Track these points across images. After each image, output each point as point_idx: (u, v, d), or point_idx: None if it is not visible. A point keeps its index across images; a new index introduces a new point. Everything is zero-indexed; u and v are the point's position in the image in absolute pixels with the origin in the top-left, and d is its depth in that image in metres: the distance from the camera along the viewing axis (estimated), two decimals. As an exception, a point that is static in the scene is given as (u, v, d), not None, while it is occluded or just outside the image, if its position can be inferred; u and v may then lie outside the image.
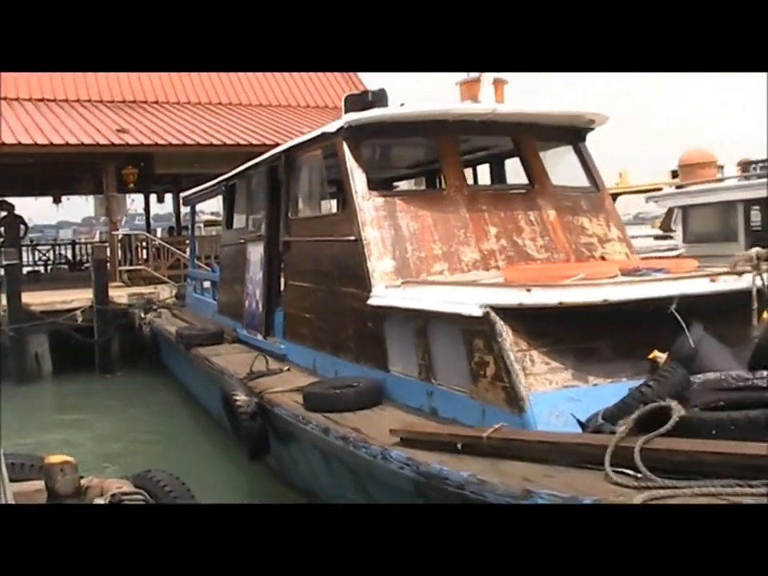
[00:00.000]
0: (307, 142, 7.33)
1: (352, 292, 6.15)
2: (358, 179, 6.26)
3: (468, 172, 8.25)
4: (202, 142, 17.62)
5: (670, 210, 11.39)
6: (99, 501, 3.53)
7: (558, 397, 4.19)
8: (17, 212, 21.14)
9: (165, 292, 16.12)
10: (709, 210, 8.94)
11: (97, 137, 17.06)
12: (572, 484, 3.32)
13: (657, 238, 9.76)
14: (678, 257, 8.60)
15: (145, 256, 18.55)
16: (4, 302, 13.90)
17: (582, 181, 7.12)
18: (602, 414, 3.73)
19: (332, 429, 5.04)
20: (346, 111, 6.82)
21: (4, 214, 20.45)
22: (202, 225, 26.69)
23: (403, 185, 10.96)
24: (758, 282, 4.39)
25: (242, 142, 17.66)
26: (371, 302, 5.75)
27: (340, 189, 7.06)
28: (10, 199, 23.67)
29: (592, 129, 7.20)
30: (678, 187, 9.52)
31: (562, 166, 7.16)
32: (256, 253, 8.97)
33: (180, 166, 18.48)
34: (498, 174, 8.42)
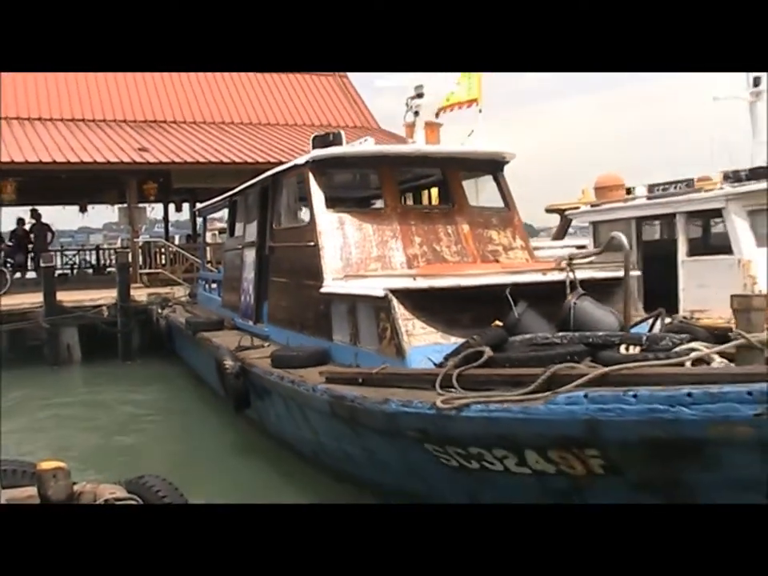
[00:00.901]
0: (286, 170, 9.46)
1: (312, 284, 8.26)
2: (318, 199, 8.41)
3: (431, 191, 10.40)
4: (213, 160, 19.87)
5: (561, 224, 13.38)
6: None
7: (428, 350, 6.27)
8: (44, 220, 23.35)
9: (180, 292, 18.28)
10: (612, 225, 10.99)
11: (121, 155, 19.36)
12: (415, 395, 5.41)
13: (578, 247, 11.79)
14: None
15: (162, 260, 20.80)
16: (41, 298, 16.19)
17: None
18: (444, 356, 5.83)
19: (286, 376, 7.18)
20: (314, 148, 8.98)
21: (33, 221, 22.71)
22: (217, 232, 28.97)
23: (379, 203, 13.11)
24: (570, 276, 6.48)
25: (249, 160, 19.85)
26: (322, 290, 7.88)
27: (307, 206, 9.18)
28: (40, 207, 26.09)
29: (507, 162, 9.30)
30: (592, 205, 11.59)
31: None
32: (250, 256, 11.11)
33: (195, 181, 20.74)
34: (444, 196, 10.52)
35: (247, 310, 11.10)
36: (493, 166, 9.22)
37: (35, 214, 22.88)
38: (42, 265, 16.55)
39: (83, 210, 27.64)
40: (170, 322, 14.61)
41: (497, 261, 8.58)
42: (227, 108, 25.51)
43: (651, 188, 10.92)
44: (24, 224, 22.77)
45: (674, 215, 9.91)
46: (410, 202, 10.94)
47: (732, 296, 4.86)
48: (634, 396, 4.13)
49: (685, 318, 9.34)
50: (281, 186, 9.83)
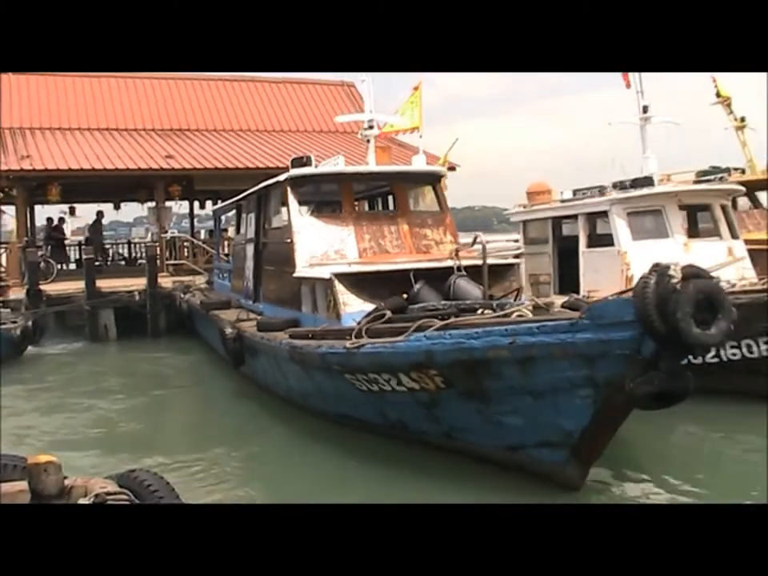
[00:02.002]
0: (273, 184, 12.27)
1: (288, 270, 11.08)
2: (293, 207, 11.23)
3: (390, 200, 13.19)
4: (230, 165, 22.84)
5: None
6: (83, 501, 3.48)
7: (357, 314, 9.06)
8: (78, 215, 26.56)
9: (200, 280, 21.23)
10: (535, 224, 13.69)
11: (149, 162, 22.39)
12: (338, 343, 8.20)
13: (515, 241, 14.48)
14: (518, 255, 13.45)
15: (186, 253, 23.80)
16: (83, 285, 19.25)
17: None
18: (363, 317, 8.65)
19: (264, 337, 10.06)
20: (292, 167, 11.78)
21: (95, 218, 26.03)
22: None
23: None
24: (457, 263, 9.27)
25: (261, 166, 22.71)
26: (294, 275, 10.72)
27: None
28: (78, 205, 29.35)
29: (443, 176, 12.08)
30: (524, 207, 14.25)
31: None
32: (249, 250, 13.98)
33: (214, 184, 23.73)
34: (394, 203, 13.26)
35: (248, 292, 14.00)
36: (431, 179, 12.01)
37: (100, 215, 26.12)
38: (84, 257, 19.61)
39: (117, 207, 30.68)
40: (190, 305, 17.50)
41: (428, 252, 11.34)
42: (244, 116, 28.45)
43: (575, 192, 13.59)
44: (64, 222, 25.93)
45: (576, 216, 12.62)
46: (375, 206, 13.76)
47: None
48: (449, 334, 6.93)
49: (583, 296, 12.04)
50: (270, 195, 12.68)
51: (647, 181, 11.89)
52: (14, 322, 15.95)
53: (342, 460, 8.44)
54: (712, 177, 14.23)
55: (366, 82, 12.23)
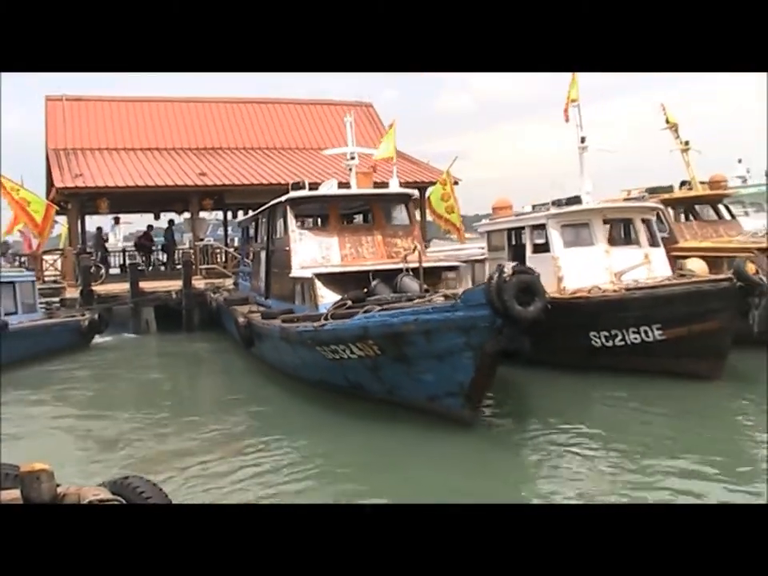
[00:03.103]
0: (278, 203, 15.31)
1: (287, 272, 14.12)
2: (291, 222, 14.27)
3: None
4: (255, 182, 26.01)
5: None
6: None
7: (329, 304, 12.01)
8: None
9: (228, 281, 24.40)
10: (495, 234, 16.53)
11: (185, 179, 25.71)
12: (312, 324, 11.20)
13: (481, 248, 17.36)
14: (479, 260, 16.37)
15: (218, 259, 27.03)
16: (127, 286, 22.56)
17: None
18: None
19: (265, 323, 13.13)
20: (292, 190, 14.82)
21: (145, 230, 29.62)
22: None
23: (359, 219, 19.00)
24: (405, 265, 12.23)
25: (283, 182, 25.76)
26: (290, 275, 13.76)
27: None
28: (123, 215, 32.82)
29: (412, 197, 15.03)
30: (490, 219, 17.09)
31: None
32: (263, 256, 17.07)
33: (243, 198, 26.96)
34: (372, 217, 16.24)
35: (261, 290, 17.09)
36: (402, 199, 14.97)
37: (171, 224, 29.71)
38: (128, 262, 22.97)
39: (157, 217, 34.06)
40: (218, 303, 20.63)
41: (396, 257, 14.24)
42: (270, 135, 31.68)
43: (534, 207, 16.41)
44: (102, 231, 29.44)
45: (524, 227, 15.47)
46: (367, 219, 16.78)
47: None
48: (379, 315, 9.90)
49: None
50: (276, 212, 15.75)
51: (577, 199, 14.69)
52: (83, 315, 19.38)
53: (319, 411, 11.43)
54: (639, 196, 16.91)
55: (348, 121, 15.20)
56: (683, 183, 20.01)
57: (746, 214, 22.88)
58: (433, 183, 28.43)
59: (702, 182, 19.12)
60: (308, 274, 12.65)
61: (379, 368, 10.51)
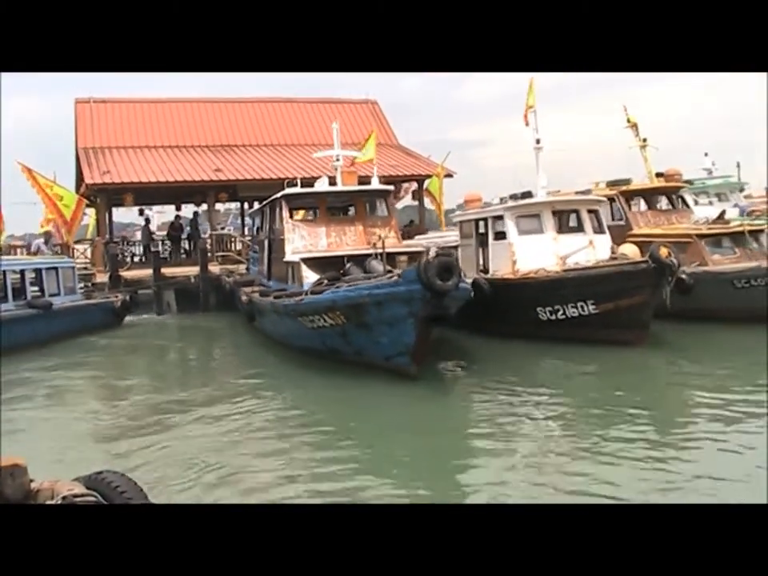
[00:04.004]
0: (275, 198, 17.85)
1: (282, 257, 16.68)
2: (285, 215, 16.83)
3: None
4: (265, 177, 28.56)
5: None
6: (50, 504, 3.39)
7: (311, 283, 14.58)
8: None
9: (242, 267, 27.01)
10: (465, 224, 18.96)
11: (202, 175, 28.37)
12: (295, 299, 13.77)
13: (457, 236, 19.83)
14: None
15: (232, 246, 29.70)
16: (150, 272, 25.31)
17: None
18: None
19: (262, 299, 15.75)
20: (287, 187, 17.36)
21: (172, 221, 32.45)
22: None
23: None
24: (374, 251, 14.75)
25: (291, 176, 28.24)
26: (284, 260, 16.33)
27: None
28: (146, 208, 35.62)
29: (389, 192, 17.52)
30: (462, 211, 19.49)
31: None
32: (266, 244, 19.65)
33: (255, 191, 29.46)
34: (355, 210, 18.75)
35: (264, 273, 19.69)
36: (382, 194, 17.45)
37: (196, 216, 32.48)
38: (152, 250, 25.78)
39: (178, 209, 36.88)
40: (231, 285, 23.29)
41: (375, 244, 16.71)
42: (281, 132, 34.22)
43: (501, 199, 18.81)
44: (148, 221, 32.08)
45: (487, 218, 17.89)
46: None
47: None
48: (344, 290, 12.45)
49: (491, 274, 17.29)
50: (275, 205, 18.30)
51: (530, 194, 17.11)
52: (116, 297, 22.19)
53: (304, 371, 14.00)
54: (585, 189, 19.26)
55: (335, 129, 17.72)
56: (659, 174, 22.40)
57: (710, 203, 24.97)
58: (429, 176, 31.19)
59: (658, 174, 21.44)
60: (296, 258, 15.20)
61: (347, 334, 13.02)
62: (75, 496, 3.37)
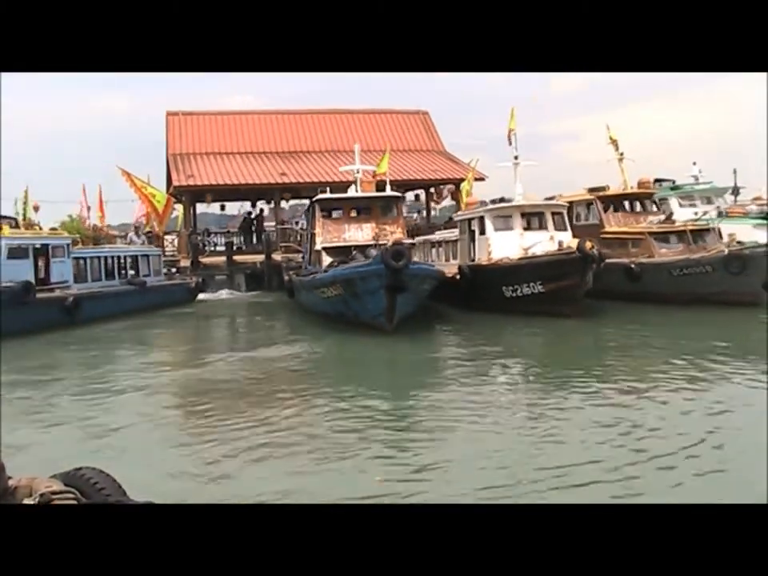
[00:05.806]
0: (312, 202, 23.30)
1: (314, 246, 22.13)
2: (318, 215, 22.28)
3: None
4: (322, 180, 33.99)
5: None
6: (28, 501, 3.24)
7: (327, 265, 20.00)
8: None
9: (299, 256, 32.64)
10: (463, 222, 23.89)
11: (269, 178, 34.19)
12: (312, 277, 19.22)
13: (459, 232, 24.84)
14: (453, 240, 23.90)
15: (294, 238, 35.39)
16: (224, 258, 31.23)
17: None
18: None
19: (297, 278, 21.35)
20: (320, 193, 22.82)
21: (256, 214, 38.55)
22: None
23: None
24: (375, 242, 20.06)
25: (344, 180, 33.69)
26: (315, 249, 21.81)
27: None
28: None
29: (399, 198, 22.79)
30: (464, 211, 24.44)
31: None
32: (306, 237, 25.16)
33: (313, 193, 34.86)
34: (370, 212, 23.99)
35: (306, 260, 25.21)
36: (393, 200, 22.68)
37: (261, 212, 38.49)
38: (223, 241, 31.87)
39: (253, 206, 42.91)
40: (287, 270, 28.92)
41: (384, 238, 21.92)
42: (339, 140, 39.69)
43: (494, 200, 23.74)
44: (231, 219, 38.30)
45: (473, 219, 22.89)
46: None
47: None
48: (342, 269, 17.84)
49: (476, 262, 22.32)
50: (312, 208, 23.74)
51: (504, 200, 22.10)
52: (191, 279, 28.34)
53: (323, 330, 19.32)
54: (551, 196, 24.02)
55: (356, 149, 23.06)
56: (657, 181, 26.98)
57: (693, 206, 28.83)
58: (463, 179, 36.16)
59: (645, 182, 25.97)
60: (319, 247, 20.65)
61: (347, 301, 18.27)
62: (54, 493, 3.20)
